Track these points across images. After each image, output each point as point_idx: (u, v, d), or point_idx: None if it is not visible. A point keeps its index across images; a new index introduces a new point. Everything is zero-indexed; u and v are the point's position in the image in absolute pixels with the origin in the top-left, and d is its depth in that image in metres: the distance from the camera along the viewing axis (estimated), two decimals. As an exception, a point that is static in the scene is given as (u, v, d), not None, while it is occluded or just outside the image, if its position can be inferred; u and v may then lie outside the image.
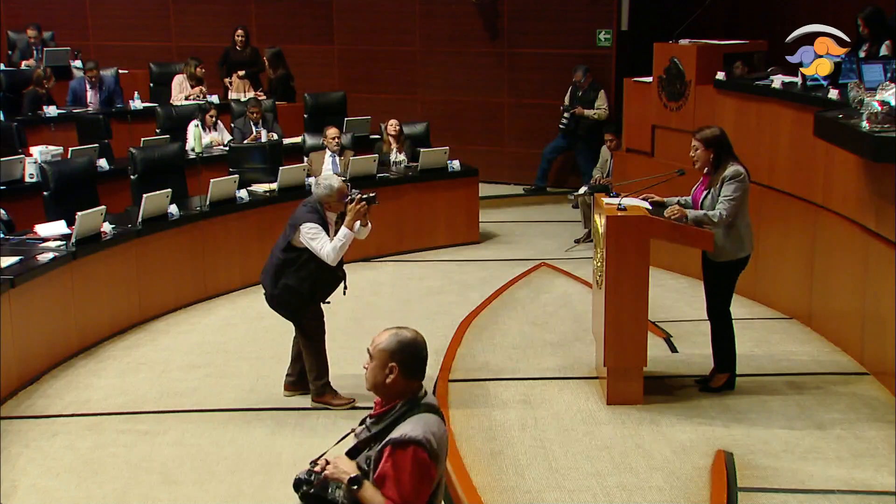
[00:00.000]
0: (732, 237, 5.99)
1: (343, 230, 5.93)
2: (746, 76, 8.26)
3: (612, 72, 11.89)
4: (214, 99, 11.56)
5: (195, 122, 10.31)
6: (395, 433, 3.01)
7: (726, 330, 6.23)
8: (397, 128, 10.20)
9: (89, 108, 11.40)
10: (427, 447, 2.97)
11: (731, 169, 5.91)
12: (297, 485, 3.18)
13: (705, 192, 6.05)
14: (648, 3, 12.16)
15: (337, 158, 9.72)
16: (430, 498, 3.07)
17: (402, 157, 10.11)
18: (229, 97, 12.01)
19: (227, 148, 10.11)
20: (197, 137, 10.11)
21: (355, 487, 3.04)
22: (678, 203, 6.14)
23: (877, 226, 6.23)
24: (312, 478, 3.14)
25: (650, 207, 6.10)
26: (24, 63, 12.40)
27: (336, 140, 9.70)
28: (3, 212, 7.63)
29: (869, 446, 5.54)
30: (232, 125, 10.78)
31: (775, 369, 6.66)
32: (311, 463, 3.19)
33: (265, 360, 6.99)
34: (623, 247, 5.93)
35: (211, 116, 10.46)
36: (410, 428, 3.00)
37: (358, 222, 5.97)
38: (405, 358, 3.09)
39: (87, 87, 11.52)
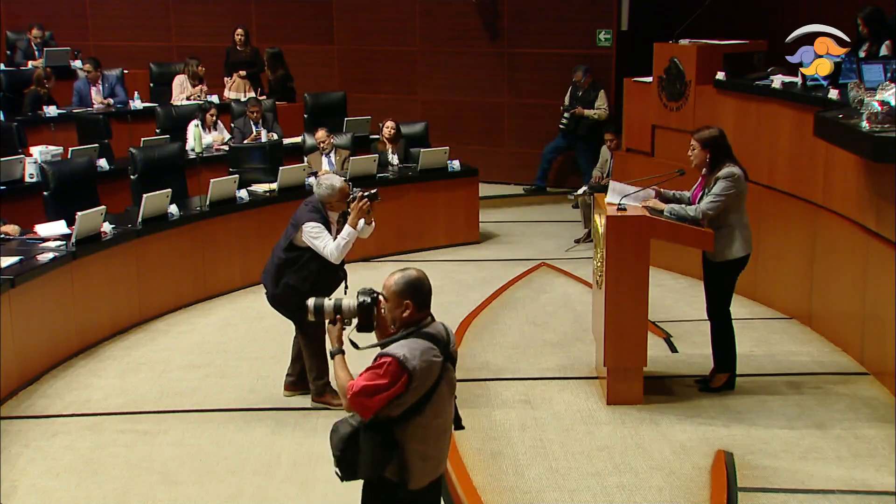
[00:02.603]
0: (731, 237, 5.99)
1: (347, 229, 5.93)
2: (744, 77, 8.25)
3: (612, 72, 11.89)
4: (214, 99, 11.57)
5: (195, 121, 10.32)
6: (387, 348, 3.52)
7: (726, 330, 6.23)
8: (393, 131, 10.17)
9: (93, 107, 11.40)
10: (400, 360, 3.42)
11: (725, 170, 5.92)
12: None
13: (701, 193, 6.06)
14: (648, 3, 12.16)
15: (332, 158, 9.74)
16: (403, 413, 3.49)
17: (394, 157, 10.11)
18: (226, 95, 12.01)
19: (226, 147, 10.11)
20: (197, 137, 10.11)
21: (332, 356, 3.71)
22: (673, 196, 6.14)
23: (877, 226, 6.23)
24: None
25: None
26: (30, 63, 12.39)
27: (325, 141, 9.72)
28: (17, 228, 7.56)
29: (869, 446, 5.54)
30: (232, 125, 10.77)
31: (775, 369, 6.66)
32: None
33: (265, 360, 6.99)
34: (623, 247, 5.93)
35: (211, 116, 10.46)
36: (397, 347, 3.49)
37: (362, 220, 5.97)
38: (415, 294, 3.55)
39: (90, 85, 11.52)
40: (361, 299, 3.68)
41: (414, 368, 3.43)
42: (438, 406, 3.56)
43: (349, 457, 3.56)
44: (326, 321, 3.76)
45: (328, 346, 3.76)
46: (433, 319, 3.64)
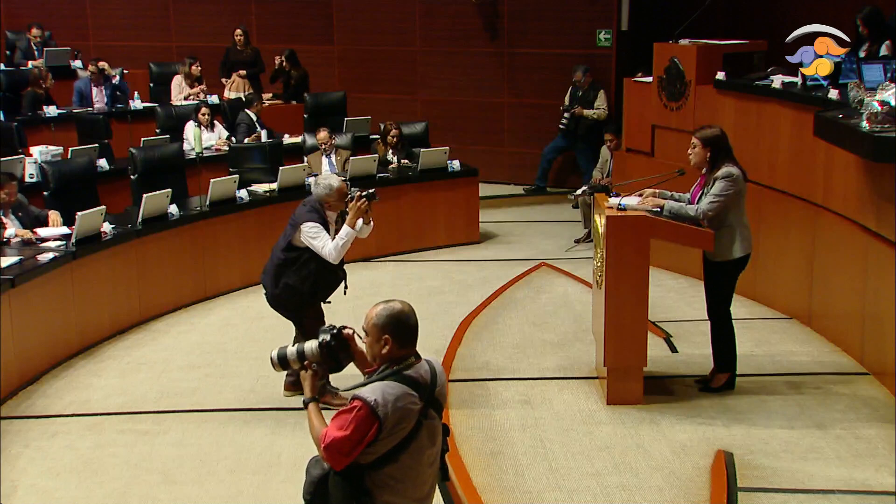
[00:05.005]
0: (730, 237, 5.99)
1: (345, 228, 5.93)
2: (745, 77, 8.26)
3: (612, 72, 11.89)
4: (214, 99, 11.56)
5: (193, 122, 10.31)
6: (359, 390, 3.30)
7: (726, 330, 6.23)
8: (396, 139, 10.16)
9: (95, 107, 11.39)
10: (371, 405, 3.21)
11: (724, 169, 5.91)
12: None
13: (700, 192, 6.06)
14: (648, 3, 12.16)
15: (333, 158, 9.74)
16: (374, 461, 3.29)
17: (394, 158, 10.10)
18: (225, 94, 12.01)
19: (226, 147, 10.12)
20: (196, 137, 10.11)
21: (305, 405, 3.49)
22: (672, 197, 6.12)
23: (877, 226, 6.24)
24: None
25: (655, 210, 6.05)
26: (30, 63, 12.38)
27: (327, 142, 9.72)
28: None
29: (869, 446, 5.54)
30: (236, 122, 10.75)
31: (775, 369, 6.66)
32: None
33: (265, 361, 6.93)
34: (623, 247, 5.93)
35: (203, 115, 10.42)
36: (370, 390, 3.27)
37: (360, 220, 5.97)
38: (396, 328, 3.35)
39: (92, 85, 11.52)
40: (321, 338, 3.42)
41: (385, 416, 3.22)
42: (416, 456, 3.33)
43: (319, 501, 3.40)
44: (297, 369, 3.52)
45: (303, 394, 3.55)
46: (418, 359, 3.40)
